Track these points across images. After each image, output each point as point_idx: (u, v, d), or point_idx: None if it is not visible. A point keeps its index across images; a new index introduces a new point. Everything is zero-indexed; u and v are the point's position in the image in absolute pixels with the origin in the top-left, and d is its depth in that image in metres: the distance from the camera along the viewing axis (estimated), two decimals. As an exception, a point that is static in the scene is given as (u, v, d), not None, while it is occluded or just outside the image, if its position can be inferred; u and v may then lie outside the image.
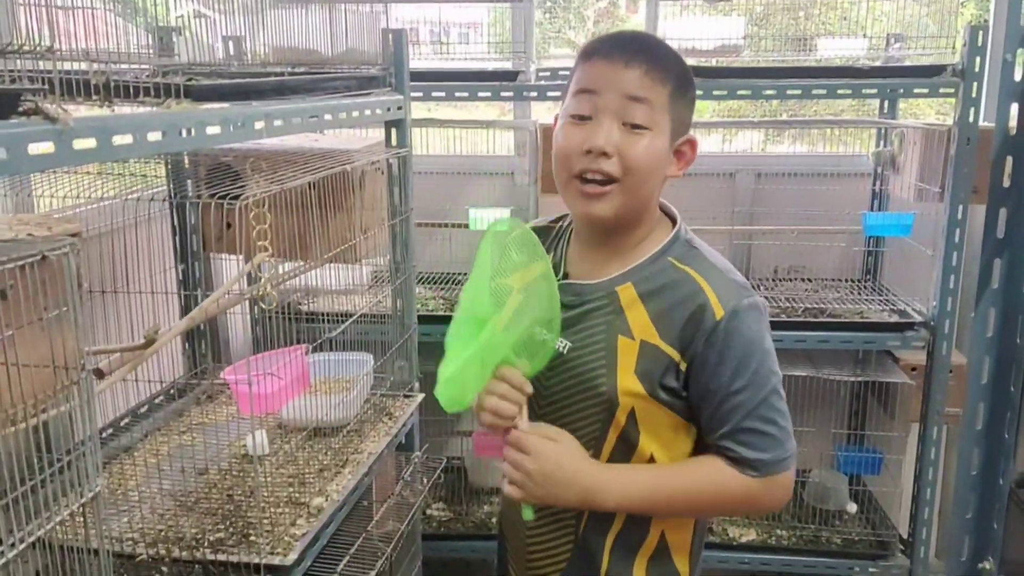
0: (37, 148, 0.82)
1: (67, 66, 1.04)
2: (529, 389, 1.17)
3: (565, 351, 1.20)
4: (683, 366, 1.15)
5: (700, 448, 1.23)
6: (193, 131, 1.07)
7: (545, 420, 1.22)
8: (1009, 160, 1.03)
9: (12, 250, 0.85)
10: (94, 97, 1.06)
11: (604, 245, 1.22)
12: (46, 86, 0.86)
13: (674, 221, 1.24)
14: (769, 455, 1.14)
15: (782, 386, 1.17)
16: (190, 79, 1.13)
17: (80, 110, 1.00)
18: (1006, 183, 1.05)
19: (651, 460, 1.20)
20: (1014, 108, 1.01)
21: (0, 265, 0.79)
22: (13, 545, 0.82)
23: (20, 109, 0.83)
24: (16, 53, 0.84)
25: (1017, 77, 1.03)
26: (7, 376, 0.89)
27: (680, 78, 1.15)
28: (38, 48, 0.85)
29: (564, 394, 1.21)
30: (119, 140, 0.93)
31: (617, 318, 1.18)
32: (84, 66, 1.06)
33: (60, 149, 0.84)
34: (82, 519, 0.92)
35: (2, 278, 0.83)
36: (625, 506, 1.17)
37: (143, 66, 1.24)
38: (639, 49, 1.12)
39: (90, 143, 0.89)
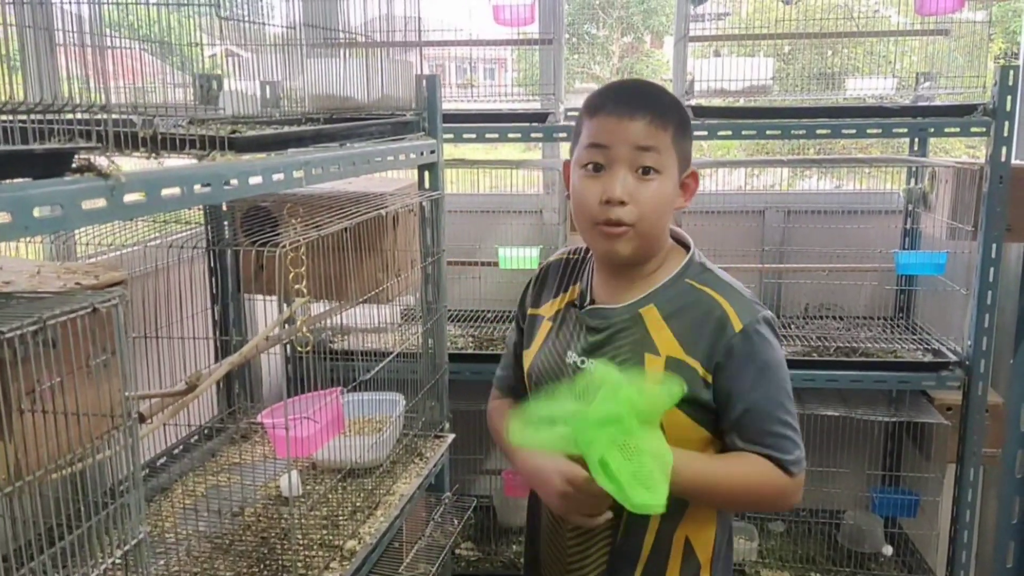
0: (90, 204, 0.84)
1: (115, 115, 1.07)
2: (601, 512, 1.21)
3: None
4: (709, 379, 1.22)
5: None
6: (236, 181, 1.10)
7: None
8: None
9: (64, 302, 0.88)
10: (141, 149, 1.09)
11: (625, 272, 1.30)
12: (99, 144, 0.89)
13: (686, 246, 1.33)
14: (795, 455, 1.22)
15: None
16: (233, 131, 1.16)
17: (128, 161, 1.03)
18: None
19: None
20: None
21: (54, 318, 0.81)
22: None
23: (73, 166, 0.86)
24: (72, 111, 0.87)
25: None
26: (55, 422, 0.92)
27: (680, 120, 1.25)
28: (93, 108, 0.88)
29: None
30: (167, 193, 0.96)
31: (643, 337, 1.25)
32: (133, 118, 1.10)
33: (112, 204, 0.87)
34: (124, 566, 0.93)
35: (53, 329, 0.86)
36: (689, 491, 1.20)
37: (186, 116, 1.27)
38: (641, 101, 1.21)
39: (139, 197, 0.91)
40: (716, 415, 1.25)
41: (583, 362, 1.29)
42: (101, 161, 0.87)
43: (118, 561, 0.93)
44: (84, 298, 0.88)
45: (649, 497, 1.04)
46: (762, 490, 1.22)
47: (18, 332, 0.77)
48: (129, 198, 0.90)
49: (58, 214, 0.80)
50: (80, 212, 0.83)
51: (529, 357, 1.41)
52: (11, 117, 0.88)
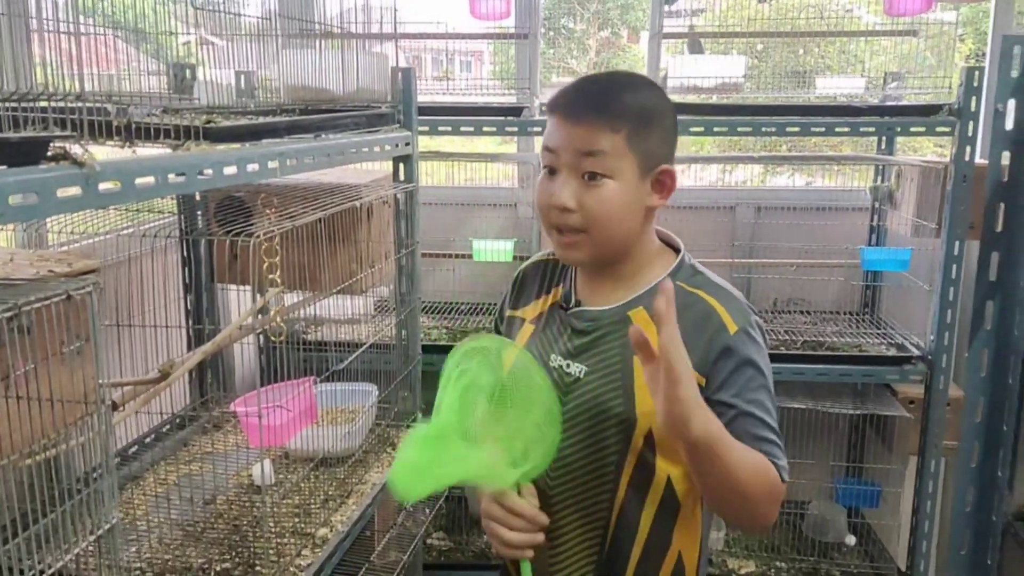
0: (65, 192, 0.85)
1: (89, 103, 1.08)
2: (543, 520, 1.18)
3: (582, 375, 1.24)
4: (703, 381, 1.18)
5: None
6: (211, 171, 1.11)
7: (566, 446, 1.23)
8: (1001, 206, 1.06)
9: (37, 289, 0.89)
10: (115, 138, 1.10)
11: (609, 274, 1.26)
12: (74, 132, 0.89)
13: (676, 248, 1.30)
14: (784, 462, 1.17)
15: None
16: (208, 121, 1.16)
17: (101, 150, 1.04)
18: (998, 228, 1.08)
19: (668, 484, 1.23)
20: (1005, 156, 1.05)
21: (28, 304, 0.82)
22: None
23: (48, 154, 0.87)
24: (47, 99, 0.88)
25: (1008, 126, 1.06)
26: (28, 408, 0.92)
27: (638, 118, 1.18)
28: (68, 96, 0.89)
29: (582, 419, 1.23)
30: (141, 182, 0.97)
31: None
32: (107, 107, 1.10)
33: (87, 192, 0.88)
34: (97, 551, 0.94)
35: (28, 315, 0.86)
36: (704, 440, 1.05)
37: (160, 105, 1.28)
38: (589, 103, 1.17)
39: (114, 185, 0.92)
40: None
41: (568, 365, 1.26)
42: (76, 149, 0.87)
43: (91, 547, 0.94)
44: (58, 285, 0.89)
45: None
46: (761, 480, 1.12)
47: (-7, 318, 0.78)
48: (104, 186, 0.90)
49: (33, 202, 0.81)
50: (55, 200, 0.83)
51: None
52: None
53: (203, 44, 1.80)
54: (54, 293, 0.86)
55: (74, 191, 0.86)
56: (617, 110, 1.17)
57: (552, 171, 1.19)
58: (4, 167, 0.81)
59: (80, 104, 0.92)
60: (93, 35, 1.35)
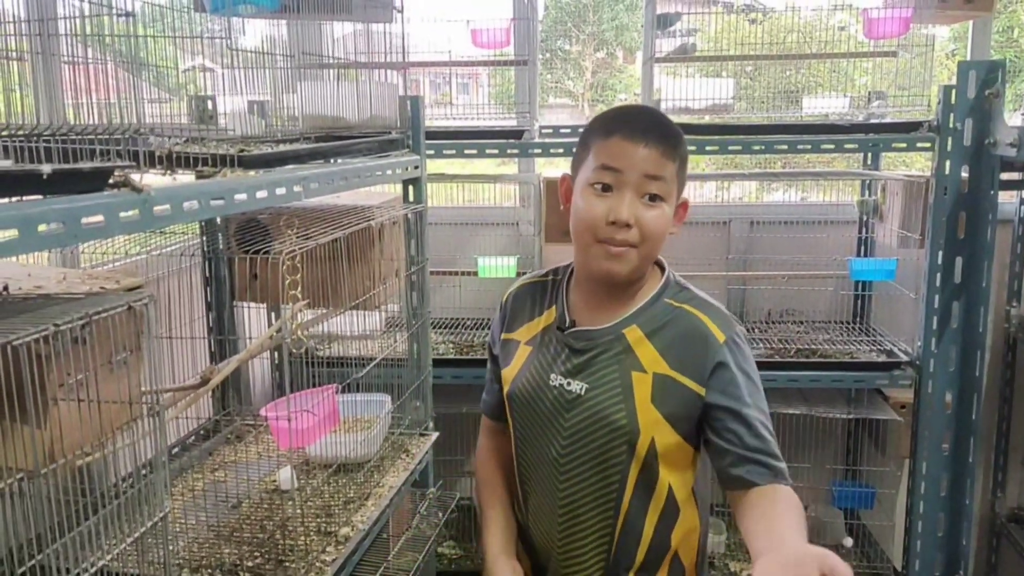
0: (126, 215, 0.96)
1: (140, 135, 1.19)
2: None
3: (583, 392, 1.32)
4: (702, 392, 1.28)
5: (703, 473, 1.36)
6: (245, 195, 1.22)
7: (568, 461, 1.33)
8: (963, 215, 1.17)
9: (98, 302, 1.00)
10: (159, 167, 1.21)
11: (608, 294, 1.35)
12: (132, 162, 1.00)
13: (660, 267, 1.41)
14: (783, 463, 1.25)
15: None
16: (242, 150, 1.28)
17: (146, 178, 1.15)
18: (961, 235, 1.19)
19: (669, 491, 1.33)
20: (965, 170, 1.16)
21: (97, 314, 0.93)
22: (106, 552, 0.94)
23: (111, 182, 0.98)
24: (111, 135, 0.99)
25: (967, 143, 1.16)
26: (89, 410, 1.03)
27: (684, 152, 1.32)
28: (128, 131, 1.00)
29: (585, 432, 1.32)
30: (188, 205, 1.08)
31: (628, 356, 1.31)
32: (151, 138, 1.22)
33: (143, 215, 0.99)
34: (152, 539, 1.05)
35: (84, 327, 0.97)
36: None
37: (197, 135, 1.39)
38: (655, 130, 1.28)
39: (166, 209, 1.03)
40: (700, 430, 1.31)
41: (569, 383, 1.34)
42: (135, 177, 0.99)
43: (147, 533, 1.04)
44: (118, 298, 1.00)
45: None
46: (802, 515, 1.19)
47: (69, 325, 0.89)
48: (158, 210, 1.02)
49: (101, 224, 0.92)
50: (119, 222, 0.94)
51: (509, 379, 1.43)
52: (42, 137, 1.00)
53: (203, 71, 1.92)
54: (117, 304, 0.97)
55: (133, 214, 0.97)
56: (676, 140, 1.30)
57: (605, 188, 1.28)
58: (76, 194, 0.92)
59: (137, 136, 1.03)
60: (114, 70, 1.47)
